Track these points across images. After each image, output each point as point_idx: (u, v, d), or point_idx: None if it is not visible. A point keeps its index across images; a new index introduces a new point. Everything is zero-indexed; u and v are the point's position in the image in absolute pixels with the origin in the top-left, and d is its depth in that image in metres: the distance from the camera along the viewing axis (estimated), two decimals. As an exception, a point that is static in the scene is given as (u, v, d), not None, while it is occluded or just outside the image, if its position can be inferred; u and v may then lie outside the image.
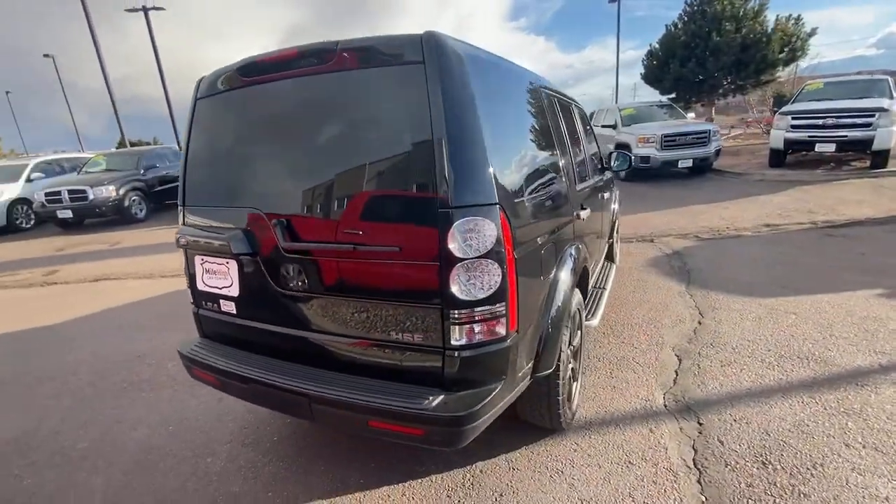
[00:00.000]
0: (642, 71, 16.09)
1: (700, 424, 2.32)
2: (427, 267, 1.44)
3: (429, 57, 1.41)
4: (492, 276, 1.45)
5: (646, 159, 9.49)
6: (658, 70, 14.98)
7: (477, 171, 1.43)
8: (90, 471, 2.26)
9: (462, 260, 1.41)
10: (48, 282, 6.25)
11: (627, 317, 3.66)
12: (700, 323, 3.48)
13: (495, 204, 1.45)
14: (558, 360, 2.00)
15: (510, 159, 1.67)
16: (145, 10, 15.55)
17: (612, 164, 3.89)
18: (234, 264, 1.81)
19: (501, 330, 1.50)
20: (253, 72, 1.73)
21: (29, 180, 10.30)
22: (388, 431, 1.51)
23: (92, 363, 3.50)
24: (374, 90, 1.52)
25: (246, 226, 1.73)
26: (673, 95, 15.85)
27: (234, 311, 1.90)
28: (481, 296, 1.45)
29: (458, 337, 1.46)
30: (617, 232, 4.93)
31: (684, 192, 8.90)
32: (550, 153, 2.12)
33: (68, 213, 9.39)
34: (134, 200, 10.06)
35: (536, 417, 2.13)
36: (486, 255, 1.43)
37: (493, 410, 1.53)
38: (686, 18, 14.12)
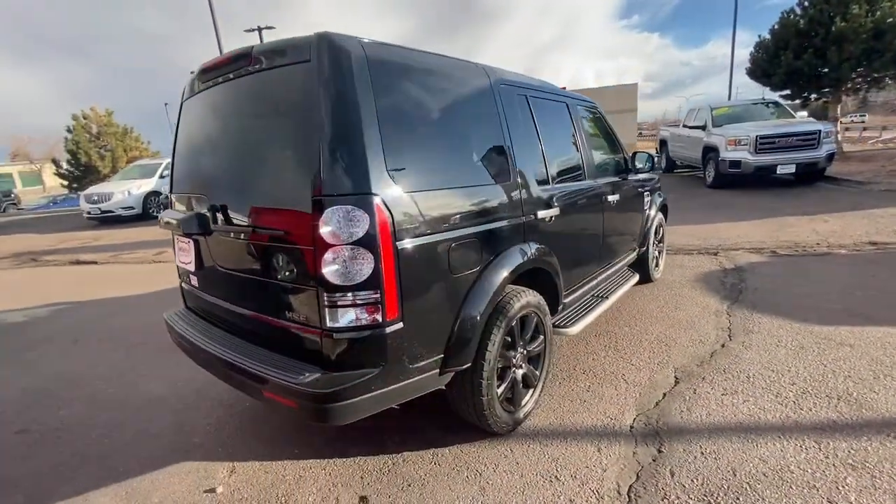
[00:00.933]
0: (748, 66, 14.07)
1: (659, 452, 2.08)
2: (307, 251, 1.54)
3: (316, 57, 1.52)
4: (363, 264, 1.50)
5: (736, 164, 8.40)
6: (766, 63, 12.98)
7: (353, 164, 1.50)
8: (106, 410, 2.74)
9: (332, 246, 1.49)
10: (155, 260, 7.50)
11: (641, 332, 3.35)
12: (723, 346, 3.06)
13: (370, 194, 1.50)
14: (482, 359, 1.96)
15: (412, 154, 1.69)
16: (259, 29, 17.94)
17: (635, 165, 3.58)
18: (192, 244, 2.09)
19: (377, 317, 1.54)
20: (206, 75, 1.99)
21: (162, 176, 12.42)
22: (275, 402, 1.63)
23: (154, 325, 4.17)
24: (278, 89, 1.66)
25: (196, 210, 1.99)
26: (786, 92, 13.67)
27: (196, 285, 2.19)
28: (353, 282, 1.51)
29: (331, 319, 1.54)
30: (660, 241, 4.52)
31: (779, 202, 7.73)
32: (490, 150, 2.08)
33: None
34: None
35: (466, 415, 2.10)
36: (356, 243, 1.49)
37: (368, 395, 1.58)
38: (806, 3, 12.05)
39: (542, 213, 2.30)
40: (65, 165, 20.81)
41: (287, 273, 1.64)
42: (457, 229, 1.81)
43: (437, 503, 1.83)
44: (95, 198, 11.77)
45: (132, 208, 11.60)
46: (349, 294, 1.51)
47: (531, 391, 2.37)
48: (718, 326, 3.37)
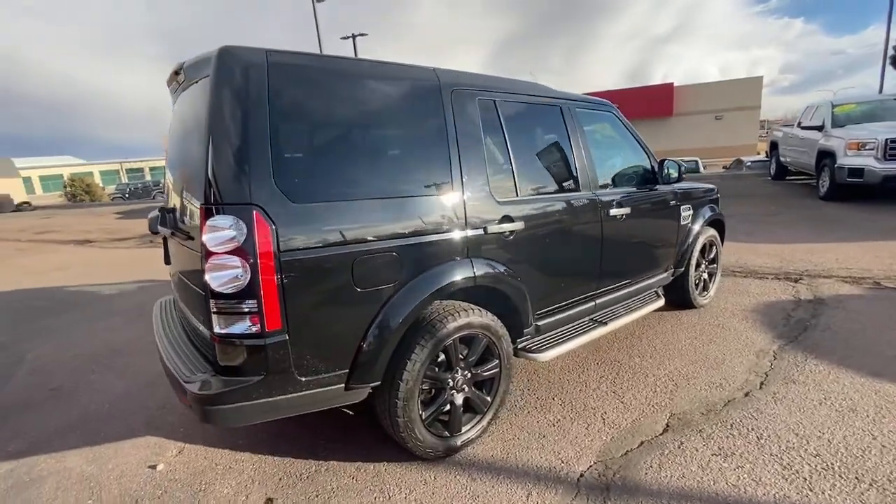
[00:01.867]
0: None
1: (597, 510, 1.80)
2: (199, 257, 1.60)
3: (213, 71, 1.56)
4: (241, 273, 1.51)
5: (856, 172, 6.91)
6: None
7: (235, 175, 1.51)
8: (126, 379, 3.14)
9: (213, 254, 1.52)
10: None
11: (653, 365, 2.93)
12: (747, 395, 2.55)
13: (249, 205, 1.50)
14: (399, 379, 1.86)
15: (312, 165, 1.65)
16: (353, 36, 19.20)
17: (665, 174, 3.12)
18: (163, 240, 2.31)
19: (256, 327, 1.55)
20: (169, 87, 2.17)
21: None
22: (182, 400, 1.72)
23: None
24: (195, 102, 1.74)
25: (165, 209, 2.18)
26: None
27: (170, 278, 2.42)
28: (232, 290, 1.53)
29: (216, 325, 1.57)
30: (711, 261, 3.91)
31: (913, 222, 6.21)
32: (424, 160, 1.95)
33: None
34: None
35: (390, 434, 2.02)
36: (234, 252, 1.51)
37: (251, 402, 1.59)
38: None
39: (494, 228, 2.11)
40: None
41: (196, 278, 1.72)
42: (364, 243, 1.73)
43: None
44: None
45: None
46: (230, 301, 1.54)
47: (477, 418, 2.21)
48: (753, 370, 2.81)
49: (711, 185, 4.12)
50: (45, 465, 2.20)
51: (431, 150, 1.98)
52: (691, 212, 3.54)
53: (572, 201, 2.55)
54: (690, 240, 3.56)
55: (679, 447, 2.14)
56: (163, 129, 2.46)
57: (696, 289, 3.78)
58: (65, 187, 30.79)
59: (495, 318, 2.18)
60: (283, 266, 1.55)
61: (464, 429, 2.15)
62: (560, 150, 2.58)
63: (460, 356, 2.08)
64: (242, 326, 1.55)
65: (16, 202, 22.85)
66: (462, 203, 2.01)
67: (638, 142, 3.15)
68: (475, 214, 2.06)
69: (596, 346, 3.23)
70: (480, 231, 2.07)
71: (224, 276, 1.52)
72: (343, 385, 1.78)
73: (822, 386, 2.57)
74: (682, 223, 3.46)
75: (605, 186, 2.82)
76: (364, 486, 1.97)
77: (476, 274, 2.03)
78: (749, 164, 16.19)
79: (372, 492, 1.93)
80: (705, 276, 3.88)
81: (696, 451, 2.11)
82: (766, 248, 5.64)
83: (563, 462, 2.08)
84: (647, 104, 28.08)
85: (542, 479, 1.98)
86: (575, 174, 2.60)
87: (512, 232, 2.19)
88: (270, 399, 1.63)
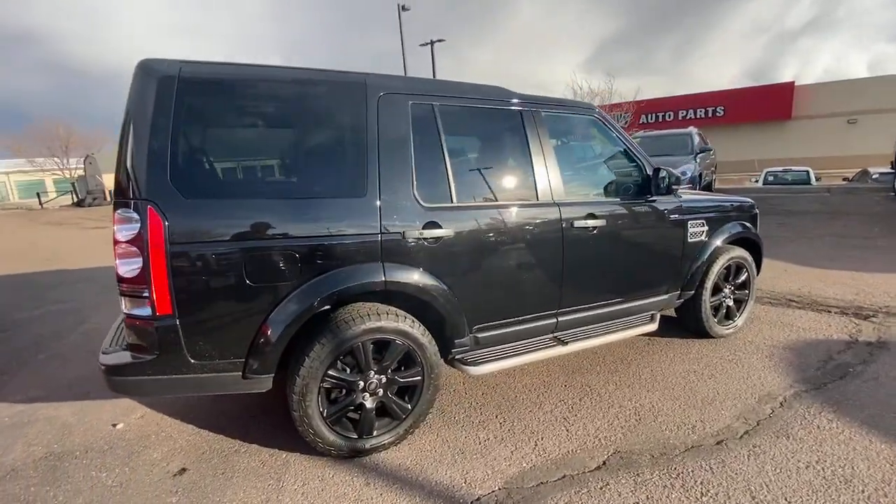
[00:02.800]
0: None
1: (470, 538, 1.70)
2: (118, 245, 1.81)
3: (132, 80, 1.75)
4: (135, 261, 1.68)
5: None
6: None
7: (136, 173, 1.68)
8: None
9: (118, 242, 1.71)
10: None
11: (624, 395, 2.65)
12: (720, 443, 2.20)
13: (144, 200, 1.67)
14: (296, 374, 1.93)
15: (213, 164, 1.77)
16: (431, 43, 19.71)
17: (661, 185, 2.78)
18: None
19: (148, 310, 1.71)
20: None
21: None
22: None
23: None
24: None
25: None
26: None
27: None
28: (129, 275, 1.71)
29: (121, 305, 1.77)
30: (740, 286, 3.40)
31: None
32: (338, 164, 1.96)
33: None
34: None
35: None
36: (130, 242, 1.68)
37: (145, 377, 1.76)
38: None
39: (415, 234, 2.07)
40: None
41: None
42: (259, 240, 1.82)
43: (222, 498, 1.91)
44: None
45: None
46: (131, 285, 1.73)
47: (394, 424, 2.18)
48: (744, 416, 2.41)
49: (746, 200, 3.59)
50: (43, 412, 2.64)
51: (345, 153, 2.01)
52: (705, 228, 3.12)
53: (523, 211, 2.40)
54: (703, 259, 3.13)
55: (601, 488, 1.92)
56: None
57: (714, 316, 3.32)
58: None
59: (417, 324, 2.15)
60: (172, 256, 1.70)
61: (376, 433, 2.14)
62: (514, 157, 2.45)
63: (373, 359, 2.08)
64: (140, 309, 1.73)
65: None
66: (377, 207, 2.01)
67: (628, 149, 2.85)
68: (392, 219, 2.04)
69: (574, 368, 3.00)
70: (398, 236, 2.05)
71: (125, 262, 1.71)
72: (240, 373, 1.89)
73: (822, 447, 2.13)
74: (691, 240, 3.06)
75: (575, 196, 2.61)
76: (267, 471, 2.06)
77: (387, 279, 2.02)
78: (876, 176, 13.60)
79: (270, 478, 2.01)
80: (729, 302, 3.39)
81: (618, 495, 1.88)
82: (845, 275, 4.74)
83: (466, 483, 1.98)
84: (758, 106, 24.92)
85: (435, 496, 1.91)
86: (531, 182, 2.44)
87: (437, 238, 2.14)
88: (164, 377, 1.79)
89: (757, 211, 3.62)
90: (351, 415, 2.12)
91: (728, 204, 3.38)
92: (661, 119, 27.46)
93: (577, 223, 2.52)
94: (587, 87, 19.98)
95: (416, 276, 2.10)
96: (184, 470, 2.09)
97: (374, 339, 2.05)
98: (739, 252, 3.32)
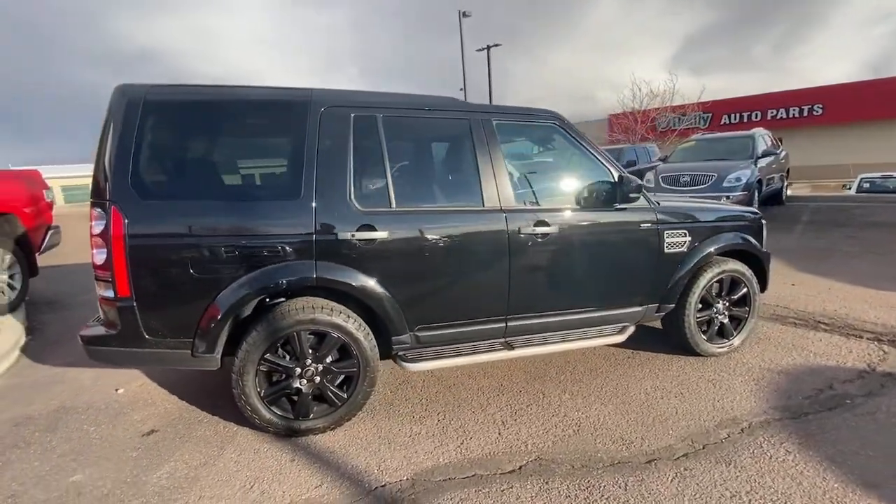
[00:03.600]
0: None
1: (357, 518, 1.83)
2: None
3: (109, 101, 2.11)
4: (102, 251, 2.03)
5: None
6: None
7: (104, 178, 2.03)
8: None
9: (92, 235, 2.07)
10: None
11: (573, 406, 2.61)
12: (651, 462, 2.13)
13: (108, 201, 2.01)
14: (236, 356, 2.19)
15: (167, 171, 2.07)
16: (488, 48, 19.73)
17: (627, 192, 2.68)
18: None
19: (112, 292, 2.05)
20: None
21: None
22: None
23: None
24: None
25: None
26: None
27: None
28: (98, 263, 2.06)
29: (96, 288, 2.14)
30: (736, 303, 3.17)
31: None
32: (276, 171, 2.19)
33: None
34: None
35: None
36: (98, 235, 2.03)
37: (109, 348, 2.11)
38: None
39: (346, 235, 2.24)
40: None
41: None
42: (203, 236, 2.10)
43: (171, 457, 2.21)
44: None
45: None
46: (100, 272, 2.08)
47: (330, 410, 2.37)
48: (692, 438, 2.29)
49: (749, 210, 3.33)
50: (71, 374, 3.18)
51: (285, 160, 2.24)
52: (687, 238, 2.95)
53: (466, 217, 2.47)
54: (685, 272, 2.96)
55: (503, 491, 1.96)
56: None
57: (705, 333, 3.12)
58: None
59: (353, 320, 2.32)
60: (130, 248, 2.03)
61: (312, 416, 2.34)
62: (460, 165, 2.53)
63: (309, 349, 2.29)
64: (107, 291, 2.08)
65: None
66: (312, 210, 2.22)
67: (593, 156, 2.78)
68: (327, 221, 2.23)
69: (537, 374, 2.99)
70: (332, 236, 2.24)
71: (96, 252, 2.08)
72: (189, 352, 2.19)
73: (763, 478, 1.98)
74: (669, 251, 2.91)
75: (526, 203, 2.62)
76: (216, 440, 2.34)
77: (318, 275, 2.22)
78: None
79: (216, 446, 2.29)
80: (723, 319, 3.16)
81: (517, 499, 1.90)
82: (887, 297, 4.16)
83: (378, 470, 2.11)
84: (863, 103, 21.86)
85: (346, 479, 2.07)
86: (477, 189, 2.50)
87: (371, 241, 2.29)
88: (126, 349, 2.13)
89: (763, 222, 3.33)
90: (294, 398, 2.33)
91: (724, 213, 3.16)
92: (745, 119, 24.99)
93: (525, 231, 2.53)
94: (647, 89, 18.96)
95: (349, 275, 2.27)
96: (153, 431, 2.44)
97: (309, 331, 2.25)
98: (734, 266, 3.09)
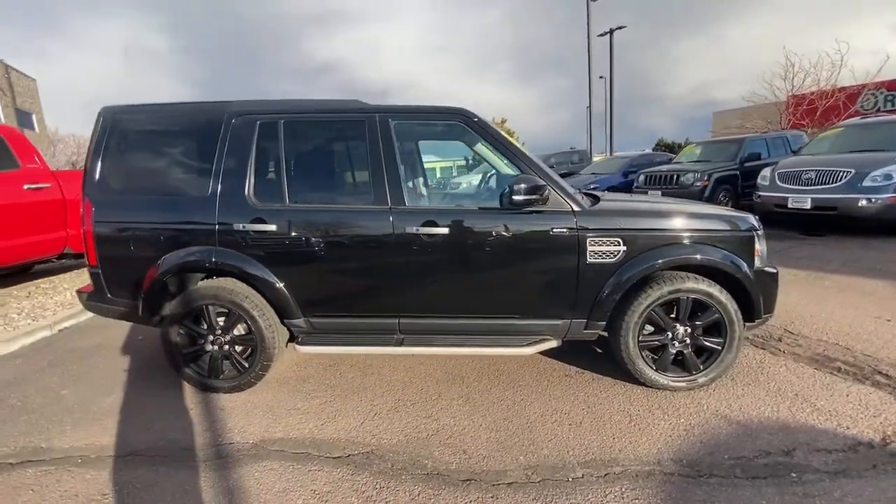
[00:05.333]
0: None
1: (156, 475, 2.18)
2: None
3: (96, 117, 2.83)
4: (83, 232, 2.77)
5: None
6: None
7: (86, 180, 2.75)
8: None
9: (80, 222, 2.84)
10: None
11: (463, 413, 2.54)
12: (467, 482, 2.02)
13: (86, 195, 2.72)
14: (164, 319, 2.75)
15: (117, 174, 2.69)
16: (611, 31, 17.61)
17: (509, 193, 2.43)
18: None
19: (88, 262, 2.78)
20: None
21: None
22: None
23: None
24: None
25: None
26: None
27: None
28: (83, 242, 2.81)
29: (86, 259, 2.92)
30: (701, 330, 2.64)
31: None
32: (192, 172, 2.63)
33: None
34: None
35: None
36: (82, 220, 2.77)
37: (89, 302, 2.85)
38: None
39: (239, 226, 2.59)
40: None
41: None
42: (141, 224, 2.68)
43: (125, 387, 2.91)
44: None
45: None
46: (84, 247, 2.84)
47: (237, 374, 2.77)
48: (533, 469, 2.05)
49: (737, 216, 2.66)
50: (127, 326, 4.26)
51: (202, 164, 2.68)
52: (621, 248, 2.52)
53: (355, 215, 2.59)
54: (615, 286, 2.54)
55: (310, 471, 2.10)
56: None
57: (653, 362, 2.64)
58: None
59: (251, 299, 2.67)
60: (95, 230, 2.73)
61: (221, 378, 2.78)
62: (355, 164, 2.63)
63: (217, 320, 2.73)
64: (88, 261, 2.84)
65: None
66: (215, 204, 2.63)
67: (507, 155, 2.57)
68: (226, 214, 2.60)
69: (456, 377, 2.92)
70: (228, 227, 2.62)
71: (82, 233, 2.85)
72: (138, 311, 2.83)
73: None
74: (593, 261, 2.54)
75: (420, 202, 2.61)
76: (165, 383, 2.96)
77: (216, 259, 2.62)
78: None
79: (156, 387, 2.92)
80: (683, 349, 2.62)
81: (295, 477, 2.03)
82: None
83: (240, 430, 2.43)
84: None
85: (211, 430, 2.44)
86: (368, 188, 2.57)
87: (262, 232, 2.60)
88: (97, 303, 2.87)
89: (755, 234, 2.62)
90: (208, 359, 2.81)
91: (687, 220, 2.59)
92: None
93: (411, 230, 2.54)
94: (799, 64, 14.92)
95: (242, 261, 2.63)
96: (127, 371, 3.21)
97: (214, 304, 2.69)
98: (694, 285, 2.53)
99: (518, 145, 2.65)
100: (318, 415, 2.56)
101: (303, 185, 2.68)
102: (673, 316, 2.61)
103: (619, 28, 18.30)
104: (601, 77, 34.21)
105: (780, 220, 7.05)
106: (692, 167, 9.04)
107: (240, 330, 2.76)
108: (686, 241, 2.55)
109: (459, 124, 2.65)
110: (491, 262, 2.60)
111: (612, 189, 10.68)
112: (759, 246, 2.61)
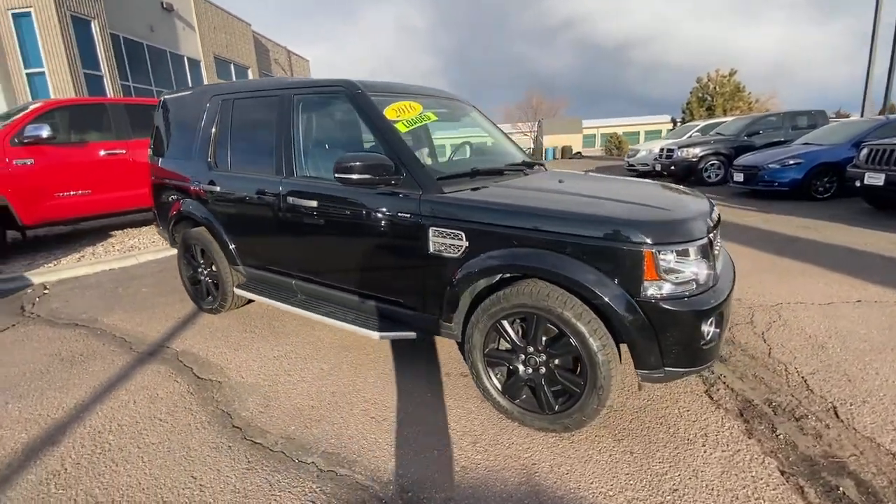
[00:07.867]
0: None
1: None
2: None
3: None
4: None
5: None
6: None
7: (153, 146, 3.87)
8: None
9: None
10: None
11: (282, 371, 2.73)
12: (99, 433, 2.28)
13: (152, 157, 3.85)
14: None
15: (161, 143, 3.68)
16: None
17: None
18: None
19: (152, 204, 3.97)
20: None
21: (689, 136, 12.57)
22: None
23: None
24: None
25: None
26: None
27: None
28: (152, 186, 4.00)
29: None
30: (552, 356, 2.14)
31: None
32: (183, 141, 3.39)
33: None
34: (712, 164, 10.34)
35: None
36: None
37: (159, 230, 4.08)
38: None
39: (200, 186, 3.24)
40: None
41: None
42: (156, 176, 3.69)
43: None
44: (631, 153, 14.27)
45: (646, 165, 13.06)
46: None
47: (213, 301, 3.58)
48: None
49: (611, 218, 1.89)
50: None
51: (190, 134, 3.41)
52: (463, 243, 2.13)
53: (261, 183, 2.89)
54: (451, 285, 2.19)
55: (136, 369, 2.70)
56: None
57: (495, 380, 2.23)
58: (606, 143, 35.63)
59: (209, 243, 3.35)
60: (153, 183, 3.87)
61: (208, 301, 3.64)
62: (270, 137, 2.87)
63: (199, 252, 3.54)
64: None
65: (573, 151, 31.64)
66: (192, 167, 3.36)
67: (378, 131, 2.40)
68: (196, 175, 3.31)
69: (354, 345, 3.06)
70: (197, 186, 3.32)
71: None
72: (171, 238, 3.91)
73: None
74: (434, 252, 2.22)
75: (305, 174, 2.75)
76: (174, 309, 4.05)
77: (183, 209, 3.40)
78: None
79: (168, 311, 4.02)
80: (538, 379, 2.11)
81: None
82: None
83: (183, 338, 3.22)
84: None
85: (171, 335, 3.30)
86: (273, 158, 2.83)
87: (213, 192, 3.21)
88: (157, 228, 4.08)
89: (644, 249, 1.79)
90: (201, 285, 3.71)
91: (544, 217, 1.97)
92: None
93: (290, 200, 2.73)
94: None
95: (201, 213, 3.31)
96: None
97: (188, 240, 3.51)
98: (546, 304, 1.97)
99: (390, 123, 2.46)
100: (241, 347, 3.11)
101: (240, 154, 3.15)
102: (521, 335, 2.11)
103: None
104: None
105: None
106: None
107: (207, 266, 3.52)
108: (542, 245, 1.97)
109: (342, 95, 2.63)
110: (353, 238, 2.58)
111: (825, 167, 7.67)
112: (662, 266, 1.80)
